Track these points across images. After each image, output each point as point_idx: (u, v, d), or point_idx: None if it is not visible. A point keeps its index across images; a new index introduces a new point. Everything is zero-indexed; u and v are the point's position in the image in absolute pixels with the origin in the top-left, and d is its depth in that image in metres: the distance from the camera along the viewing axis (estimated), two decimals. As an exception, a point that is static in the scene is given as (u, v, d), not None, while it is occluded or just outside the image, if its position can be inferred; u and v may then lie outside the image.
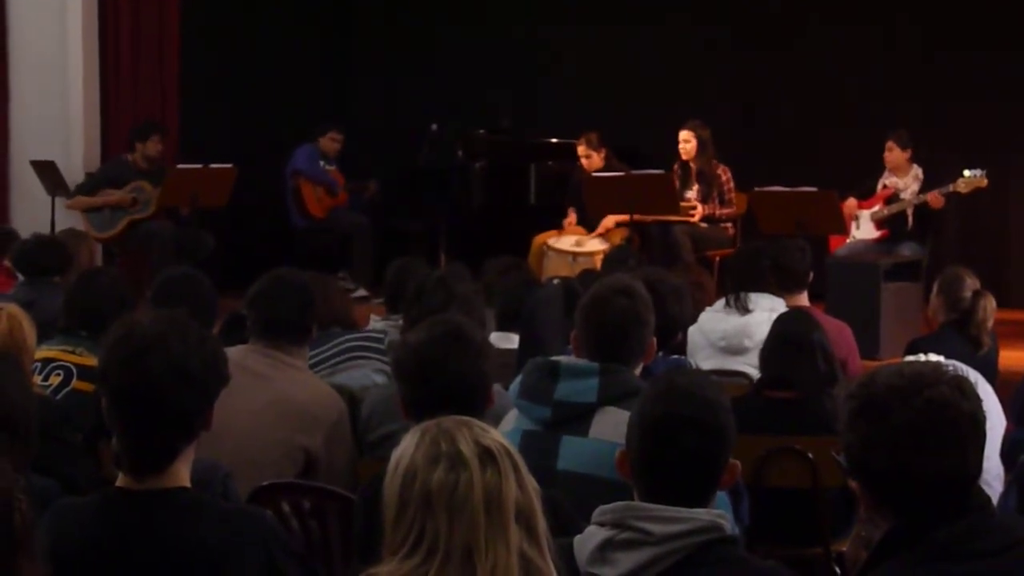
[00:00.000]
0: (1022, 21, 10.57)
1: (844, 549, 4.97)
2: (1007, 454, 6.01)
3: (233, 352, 3.79)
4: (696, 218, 9.79)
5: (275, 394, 4.38)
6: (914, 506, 2.48)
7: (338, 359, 5.28)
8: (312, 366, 5.20)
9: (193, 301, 4.64)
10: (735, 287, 6.26)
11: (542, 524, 2.34)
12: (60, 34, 10.65)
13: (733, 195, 9.90)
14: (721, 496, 3.00)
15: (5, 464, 2.29)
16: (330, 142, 11.17)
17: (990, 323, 6.42)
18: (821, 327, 5.09)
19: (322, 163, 11.12)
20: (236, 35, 11.72)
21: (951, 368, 2.58)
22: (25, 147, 10.71)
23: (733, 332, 6.07)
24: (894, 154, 9.58)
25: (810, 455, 4.74)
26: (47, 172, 10.37)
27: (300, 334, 4.56)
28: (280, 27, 12.16)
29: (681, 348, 5.89)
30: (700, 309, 6.22)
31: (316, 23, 12.74)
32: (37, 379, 4.72)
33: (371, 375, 5.16)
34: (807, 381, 4.89)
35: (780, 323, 5.13)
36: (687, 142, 9.87)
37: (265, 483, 4.03)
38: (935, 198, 9.23)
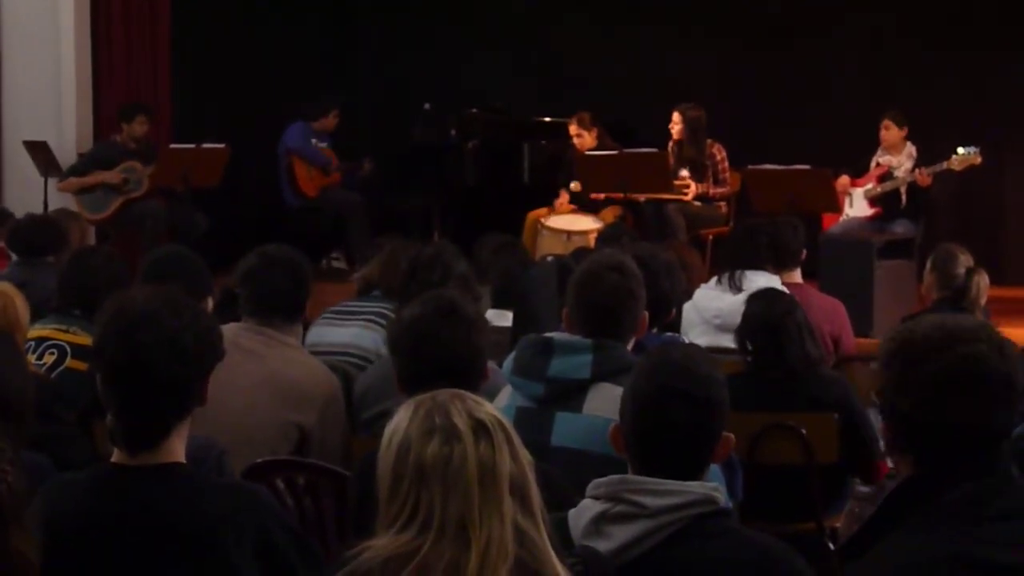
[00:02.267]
0: (1013, 1, 10.56)
1: (837, 525, 5.00)
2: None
3: (226, 330, 3.78)
4: (689, 196, 9.79)
5: (268, 372, 4.37)
6: (935, 456, 2.50)
7: (359, 316, 5.28)
8: (333, 312, 5.25)
9: (184, 279, 4.63)
10: (730, 264, 6.26)
11: (536, 496, 2.34)
12: (52, 14, 10.62)
13: (727, 174, 9.90)
14: (714, 469, 3.01)
15: None
16: (333, 120, 11.17)
17: (983, 300, 6.43)
18: (799, 305, 5.09)
19: (314, 140, 11.10)
20: (229, 13, 11.69)
21: (995, 330, 2.60)
22: (18, 127, 10.70)
23: (728, 311, 6.06)
24: (891, 132, 9.59)
25: (803, 431, 4.75)
26: (40, 152, 10.36)
27: (293, 311, 4.56)
28: (274, 5, 12.13)
29: (675, 325, 5.90)
30: (687, 289, 6.22)
31: (311, 1, 12.71)
32: (31, 358, 4.71)
33: (379, 342, 5.16)
34: (796, 362, 4.90)
35: (758, 305, 5.10)
36: (675, 124, 9.90)
37: (259, 460, 4.04)
38: (922, 176, 9.24)
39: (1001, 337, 2.58)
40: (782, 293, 5.33)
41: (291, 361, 4.44)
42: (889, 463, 5.36)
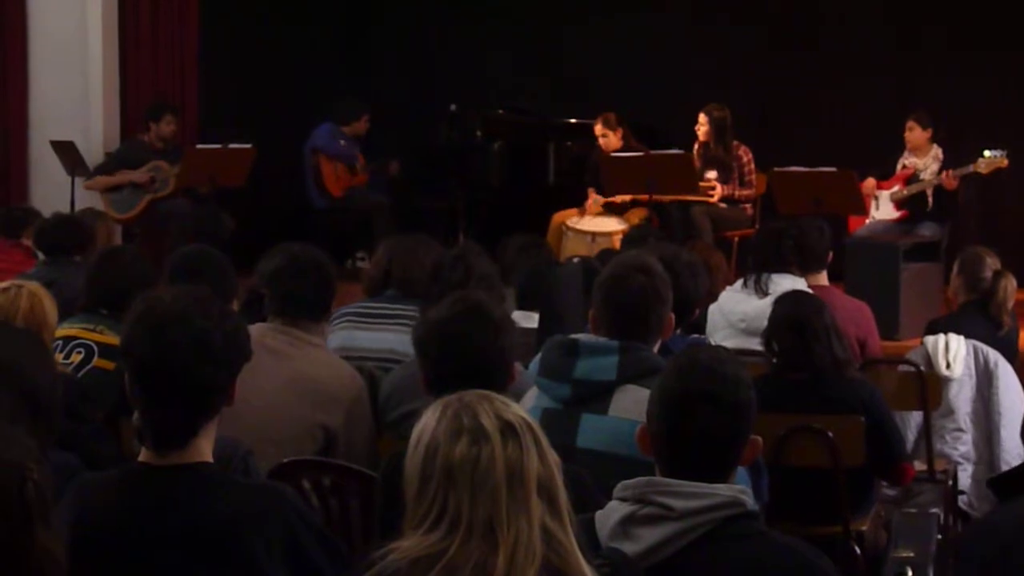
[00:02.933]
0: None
1: (864, 528, 4.98)
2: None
3: (252, 330, 3.78)
4: (715, 198, 9.78)
5: (294, 372, 4.38)
6: None
7: (392, 319, 5.27)
8: (354, 315, 5.23)
9: (210, 278, 4.65)
10: (756, 267, 6.25)
11: (564, 498, 2.34)
12: (80, 14, 10.67)
13: (753, 176, 9.88)
14: (740, 471, 3.00)
15: (18, 433, 2.29)
16: (364, 125, 11.17)
17: (1011, 303, 6.42)
18: (827, 307, 5.08)
19: (342, 142, 11.11)
20: (255, 13, 11.72)
21: None
22: (45, 127, 10.74)
23: (754, 314, 6.05)
24: (915, 133, 9.55)
25: (830, 434, 4.74)
26: (66, 152, 10.40)
27: (319, 311, 4.56)
28: (300, 6, 12.16)
29: (700, 327, 5.89)
30: (712, 291, 6.21)
31: (336, 1, 12.73)
32: (58, 357, 4.74)
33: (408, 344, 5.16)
34: (822, 363, 4.89)
35: (785, 306, 5.09)
36: (701, 125, 9.89)
37: (285, 460, 4.04)
38: (948, 179, 9.21)
39: None
40: (810, 295, 5.33)
41: (317, 361, 4.45)
42: (916, 466, 5.36)
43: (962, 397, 6.18)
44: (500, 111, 11.60)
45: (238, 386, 2.94)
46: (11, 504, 2.22)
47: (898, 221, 9.55)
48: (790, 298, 5.19)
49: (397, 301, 5.39)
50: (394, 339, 5.23)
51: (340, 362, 4.63)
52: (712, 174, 9.85)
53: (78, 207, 9.77)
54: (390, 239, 5.72)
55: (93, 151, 10.55)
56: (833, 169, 9.01)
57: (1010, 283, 6.43)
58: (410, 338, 5.14)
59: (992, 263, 6.51)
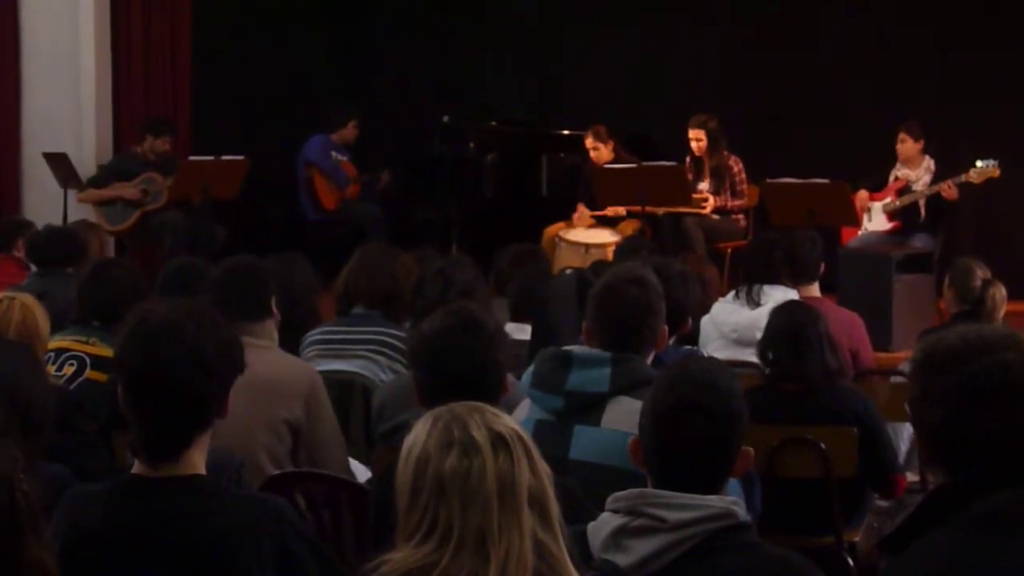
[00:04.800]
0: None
1: (856, 539, 4.98)
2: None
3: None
4: (708, 210, 9.79)
5: (247, 376, 4.30)
6: (964, 467, 2.46)
7: (357, 345, 5.25)
8: (321, 344, 5.23)
9: (200, 291, 4.66)
10: (747, 279, 6.26)
11: (555, 509, 2.34)
12: (72, 25, 10.66)
13: (745, 187, 9.90)
14: (732, 483, 3.00)
15: (7, 444, 2.29)
16: (352, 131, 11.18)
17: (1000, 312, 6.42)
18: (823, 317, 5.09)
19: (334, 154, 11.12)
20: (248, 25, 11.73)
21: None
22: (37, 139, 10.74)
23: (746, 324, 6.07)
24: (906, 145, 9.57)
25: (822, 445, 4.75)
26: (59, 164, 10.40)
27: (257, 312, 4.55)
28: (292, 17, 12.17)
29: (693, 339, 5.89)
30: (704, 302, 6.22)
31: (328, 12, 12.75)
32: (51, 369, 4.74)
33: (390, 373, 5.15)
34: (815, 373, 4.90)
35: (781, 316, 5.10)
36: (698, 140, 9.87)
37: (278, 472, 4.04)
38: (948, 190, 9.21)
39: None
40: (807, 304, 5.33)
41: (266, 361, 4.39)
42: (908, 477, 5.37)
43: (954, 408, 6.17)
44: (493, 122, 11.61)
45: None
46: (1, 515, 2.22)
47: (891, 232, 9.56)
48: (787, 308, 5.20)
49: (362, 322, 5.37)
50: (363, 365, 5.20)
51: (290, 358, 4.66)
52: (704, 185, 9.86)
53: (71, 219, 9.76)
54: (353, 254, 5.69)
55: (86, 163, 10.55)
56: (826, 181, 9.03)
57: (999, 291, 6.43)
58: (375, 364, 5.18)
59: (981, 273, 6.52)
